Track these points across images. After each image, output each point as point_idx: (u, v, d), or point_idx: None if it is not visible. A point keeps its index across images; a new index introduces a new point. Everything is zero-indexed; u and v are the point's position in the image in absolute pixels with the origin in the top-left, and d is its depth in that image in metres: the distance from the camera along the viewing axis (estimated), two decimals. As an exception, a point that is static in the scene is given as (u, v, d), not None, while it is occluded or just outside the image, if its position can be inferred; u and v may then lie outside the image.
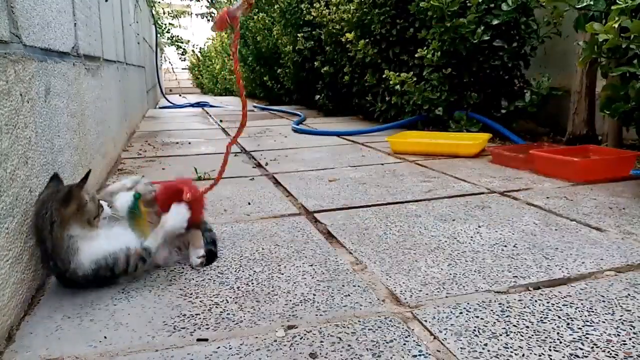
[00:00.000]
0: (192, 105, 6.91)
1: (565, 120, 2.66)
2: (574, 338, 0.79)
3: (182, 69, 15.40)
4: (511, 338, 0.80)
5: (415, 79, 2.96)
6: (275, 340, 0.81)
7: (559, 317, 0.86)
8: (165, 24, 12.26)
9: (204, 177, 1.98)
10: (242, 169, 2.19)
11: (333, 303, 0.93)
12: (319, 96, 4.60)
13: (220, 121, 4.38)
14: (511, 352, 0.76)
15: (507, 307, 0.90)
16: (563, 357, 0.74)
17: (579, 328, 0.82)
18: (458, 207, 1.53)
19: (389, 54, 3.38)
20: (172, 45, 13.16)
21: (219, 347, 0.79)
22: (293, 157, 2.45)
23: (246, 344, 0.80)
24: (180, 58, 14.07)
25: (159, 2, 11.08)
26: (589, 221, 1.37)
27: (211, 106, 6.72)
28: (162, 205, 1.17)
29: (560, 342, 0.78)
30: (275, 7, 5.10)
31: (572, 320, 0.85)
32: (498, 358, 0.74)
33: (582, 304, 0.90)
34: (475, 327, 0.83)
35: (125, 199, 1.14)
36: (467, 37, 2.75)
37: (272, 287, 1.00)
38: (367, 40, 3.48)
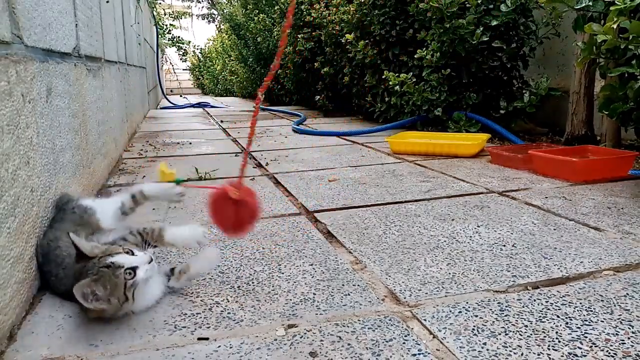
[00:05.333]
0: (192, 106, 6.92)
1: (564, 120, 2.66)
2: (572, 337, 0.80)
3: (183, 69, 15.44)
4: (510, 337, 0.80)
5: (414, 79, 2.97)
6: (275, 339, 0.81)
7: (558, 317, 0.86)
8: (166, 25, 12.28)
9: (205, 177, 1.99)
10: (242, 169, 2.19)
11: (333, 302, 0.93)
12: (319, 97, 4.61)
13: (221, 121, 4.38)
14: (510, 351, 0.76)
15: (506, 307, 0.90)
16: (562, 356, 0.75)
17: (578, 327, 0.83)
18: (457, 207, 1.53)
19: (389, 55, 3.39)
20: (173, 46, 13.18)
21: (219, 346, 0.79)
22: (293, 157, 2.46)
23: (247, 343, 0.80)
24: (181, 59, 14.10)
25: (160, 3, 11.09)
26: (587, 221, 1.37)
27: (212, 107, 6.73)
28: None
29: (559, 341, 0.79)
30: (276, 8, 5.11)
31: (571, 320, 0.85)
32: (497, 357, 0.75)
33: (580, 303, 0.91)
34: (474, 326, 0.84)
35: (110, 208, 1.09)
36: (466, 38, 2.76)
37: (273, 286, 1.01)
38: (366, 41, 3.49)
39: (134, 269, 0.86)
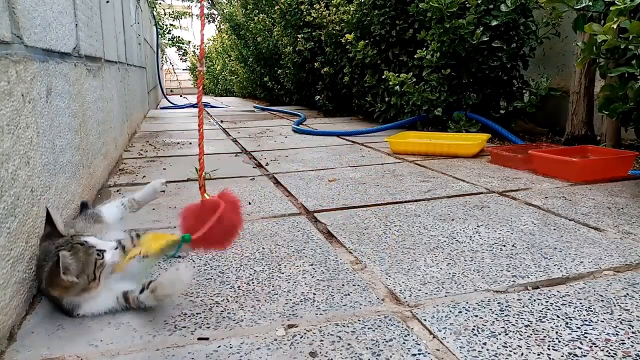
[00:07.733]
0: (193, 106, 6.92)
1: (564, 120, 2.66)
2: (572, 337, 0.80)
3: (183, 69, 15.44)
4: (510, 337, 0.80)
5: (414, 79, 2.97)
6: (275, 339, 0.81)
7: (558, 317, 0.86)
8: (166, 25, 12.28)
9: (205, 177, 1.98)
10: (242, 169, 2.20)
11: (333, 302, 0.93)
12: (319, 97, 4.61)
13: (221, 121, 4.38)
14: (510, 351, 0.76)
15: (506, 307, 0.90)
16: (562, 356, 0.75)
17: (578, 327, 0.83)
18: (457, 207, 1.53)
19: (389, 55, 3.39)
20: (173, 46, 13.19)
21: (219, 346, 0.80)
22: (293, 157, 2.46)
23: (247, 343, 0.80)
24: (181, 59, 14.10)
25: (160, 3, 11.09)
26: (587, 221, 1.37)
27: (212, 106, 6.73)
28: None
29: (559, 341, 0.79)
30: (276, 8, 5.11)
31: (571, 320, 0.85)
32: (497, 357, 0.75)
33: (580, 303, 0.91)
34: (474, 326, 0.84)
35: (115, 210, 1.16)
36: (466, 38, 2.76)
37: (273, 286, 1.01)
38: (366, 41, 3.49)
39: (102, 251, 0.90)
